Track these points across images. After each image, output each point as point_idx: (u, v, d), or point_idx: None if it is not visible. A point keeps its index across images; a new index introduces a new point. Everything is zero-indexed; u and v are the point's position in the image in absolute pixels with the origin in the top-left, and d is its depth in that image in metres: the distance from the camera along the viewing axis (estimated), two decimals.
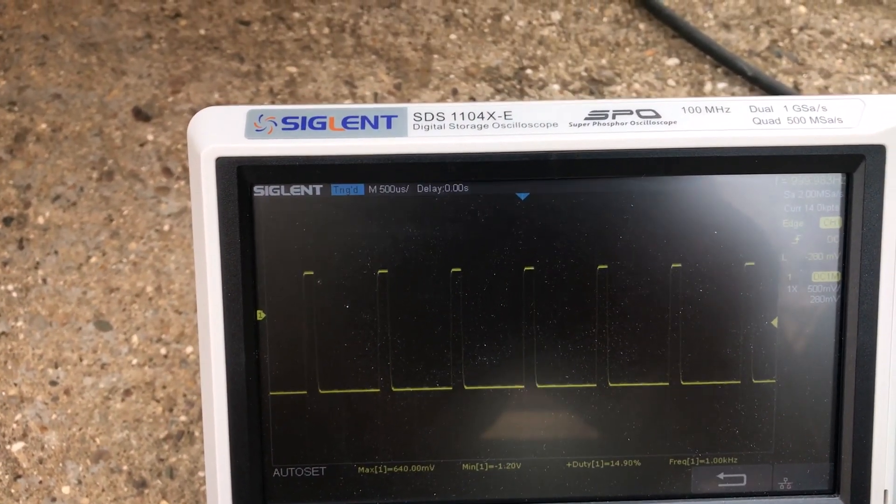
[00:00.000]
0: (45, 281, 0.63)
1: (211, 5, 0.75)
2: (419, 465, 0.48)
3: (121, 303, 0.62)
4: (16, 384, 0.59)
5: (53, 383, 0.59)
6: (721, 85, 0.72)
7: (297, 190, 0.46)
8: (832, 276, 0.47)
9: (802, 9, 0.76)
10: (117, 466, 0.57)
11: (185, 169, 0.66)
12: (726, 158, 0.45)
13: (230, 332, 0.46)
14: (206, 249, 0.45)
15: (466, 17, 0.75)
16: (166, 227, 0.65)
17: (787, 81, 0.72)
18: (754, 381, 0.47)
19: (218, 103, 0.69)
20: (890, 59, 0.73)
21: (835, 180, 0.46)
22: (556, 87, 0.71)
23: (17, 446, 0.57)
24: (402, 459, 0.48)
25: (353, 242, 0.46)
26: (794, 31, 0.75)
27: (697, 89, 0.72)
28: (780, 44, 0.74)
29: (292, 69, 0.71)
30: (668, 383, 0.47)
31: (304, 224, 0.46)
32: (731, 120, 0.46)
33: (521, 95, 0.71)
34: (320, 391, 0.47)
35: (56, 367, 0.60)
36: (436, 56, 0.73)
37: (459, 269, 0.47)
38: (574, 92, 0.71)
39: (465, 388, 0.47)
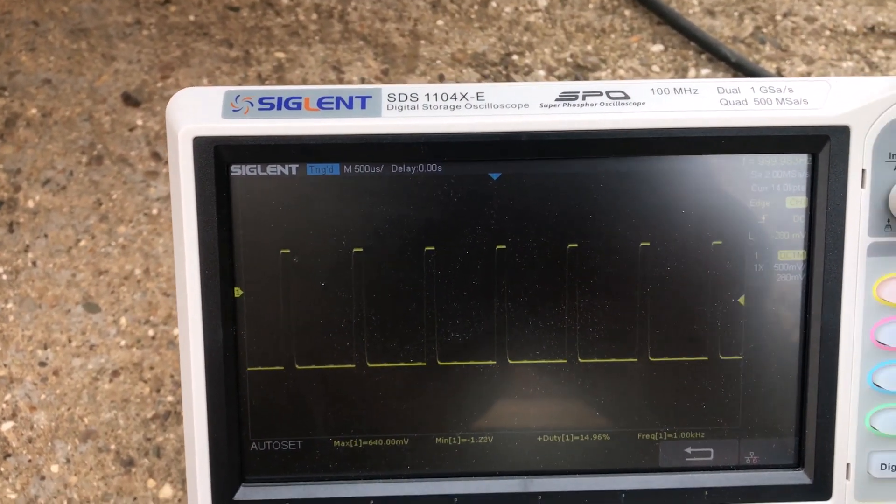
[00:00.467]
0: (34, 264, 0.63)
1: None
2: (393, 439, 0.48)
3: (109, 285, 0.63)
4: (5, 365, 0.60)
5: (43, 364, 0.60)
6: (705, 71, 0.72)
7: (274, 169, 0.47)
8: (798, 255, 0.47)
9: None
10: (105, 446, 0.57)
11: None
12: (694, 139, 0.46)
13: (208, 309, 0.46)
14: (184, 228, 0.46)
15: (453, 4, 0.75)
16: (155, 211, 0.65)
17: (770, 68, 0.72)
18: (721, 358, 0.48)
19: None
20: (872, 45, 0.74)
21: (801, 160, 0.47)
22: (542, 72, 0.72)
23: (6, 426, 0.58)
24: (376, 433, 0.48)
25: (328, 221, 0.47)
26: (778, 17, 0.75)
27: (682, 75, 0.72)
28: (764, 30, 0.75)
29: (280, 55, 0.72)
30: (636, 359, 0.48)
31: (281, 203, 0.47)
32: (699, 101, 0.46)
33: (508, 81, 0.71)
34: (297, 367, 0.48)
35: (45, 348, 0.60)
36: (423, 42, 0.73)
37: (433, 248, 0.47)
38: (559, 78, 0.72)
39: (439, 363, 0.48)
